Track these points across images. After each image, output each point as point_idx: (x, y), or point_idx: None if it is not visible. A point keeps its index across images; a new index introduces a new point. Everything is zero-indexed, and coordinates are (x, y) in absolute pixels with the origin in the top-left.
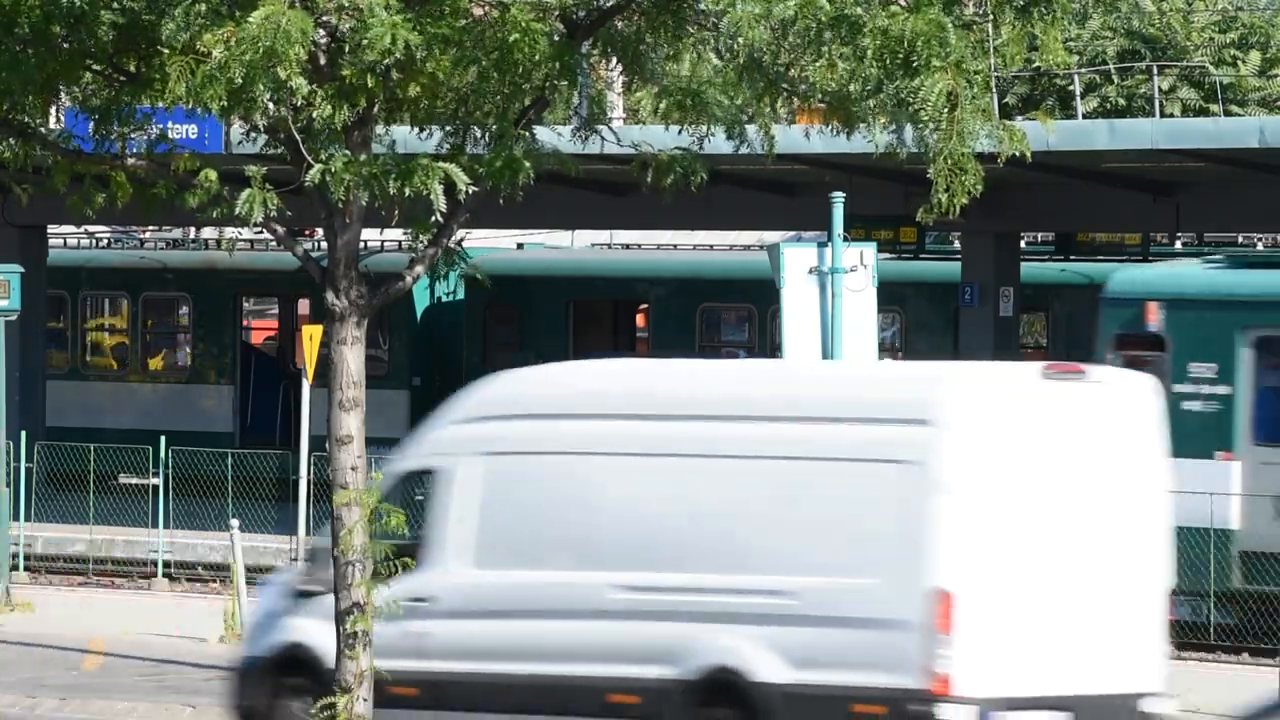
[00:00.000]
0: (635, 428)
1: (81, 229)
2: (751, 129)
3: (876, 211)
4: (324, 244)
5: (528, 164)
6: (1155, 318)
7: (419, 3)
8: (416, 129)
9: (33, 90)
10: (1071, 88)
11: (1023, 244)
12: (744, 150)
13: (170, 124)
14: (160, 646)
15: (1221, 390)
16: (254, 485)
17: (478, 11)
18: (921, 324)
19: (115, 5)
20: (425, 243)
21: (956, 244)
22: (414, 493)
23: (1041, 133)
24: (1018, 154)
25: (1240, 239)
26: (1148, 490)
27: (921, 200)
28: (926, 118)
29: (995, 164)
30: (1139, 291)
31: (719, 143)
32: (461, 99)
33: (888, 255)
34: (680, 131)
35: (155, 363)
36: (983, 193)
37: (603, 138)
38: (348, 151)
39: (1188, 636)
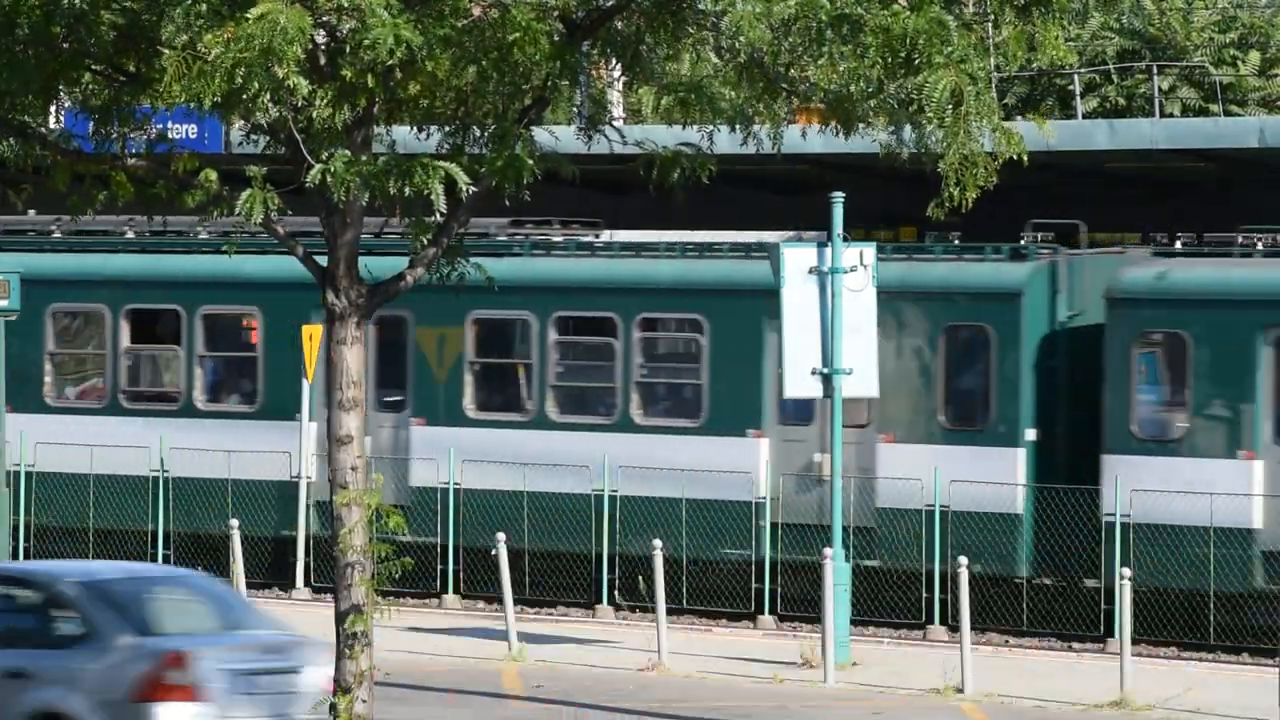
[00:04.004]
0: None
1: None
2: (759, 125)
3: (876, 211)
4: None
5: (530, 163)
6: (1170, 316)
7: (419, 3)
8: (416, 129)
9: (33, 90)
10: (1071, 88)
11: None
12: (751, 147)
13: (170, 124)
14: None
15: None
16: None
17: (477, 11)
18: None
19: (115, 5)
20: (426, 242)
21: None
22: None
23: (1040, 134)
24: (1015, 157)
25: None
26: None
27: (919, 200)
28: (931, 114)
29: (994, 164)
30: (1152, 291)
31: (721, 142)
32: (461, 99)
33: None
34: (684, 128)
35: None
36: (984, 192)
37: (607, 137)
38: (348, 151)
39: (1188, 636)
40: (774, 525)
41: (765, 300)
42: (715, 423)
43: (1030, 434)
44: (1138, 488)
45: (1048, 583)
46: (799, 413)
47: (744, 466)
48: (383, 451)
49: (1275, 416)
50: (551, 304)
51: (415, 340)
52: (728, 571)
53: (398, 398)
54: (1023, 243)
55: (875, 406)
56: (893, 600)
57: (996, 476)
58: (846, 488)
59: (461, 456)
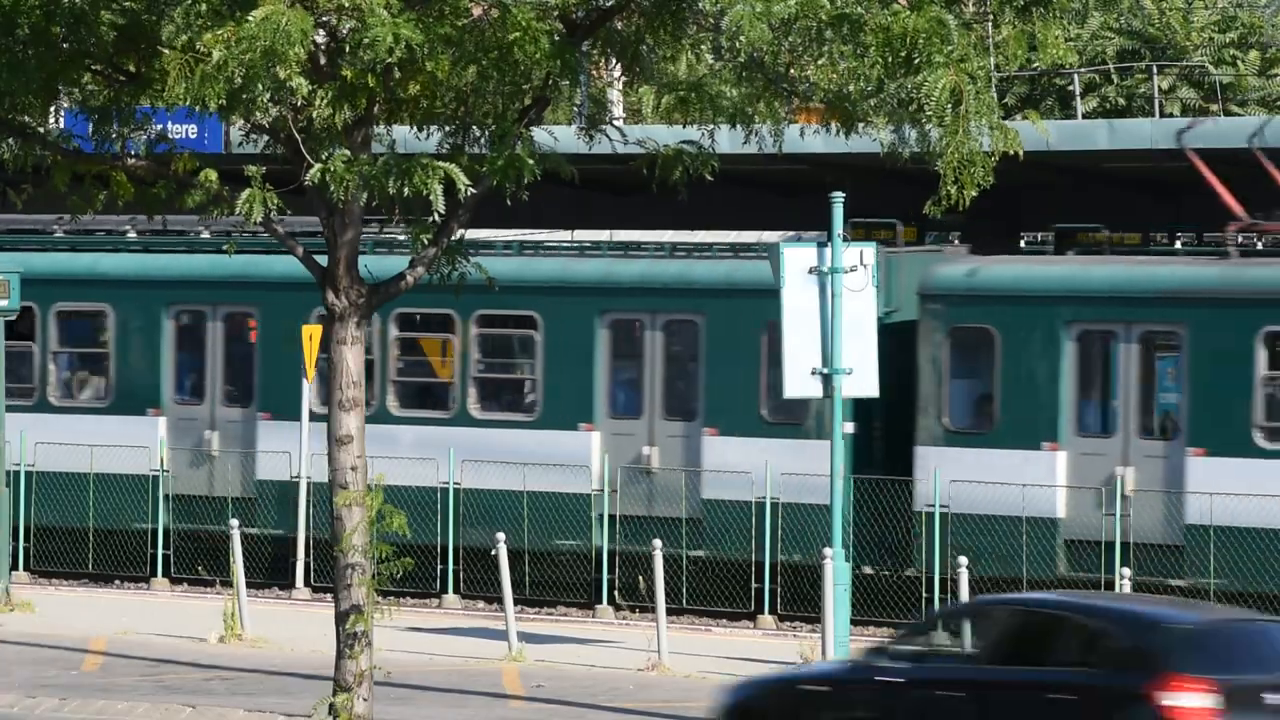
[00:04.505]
0: None
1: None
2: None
3: (876, 211)
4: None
5: (531, 162)
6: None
7: (419, 2)
8: (416, 129)
9: (33, 90)
10: (1071, 88)
11: (1022, 243)
12: (753, 145)
13: (170, 124)
14: (160, 646)
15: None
16: None
17: (477, 11)
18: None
19: (115, 5)
20: (425, 242)
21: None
22: None
23: (1039, 133)
24: (1012, 153)
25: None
26: None
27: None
28: (931, 113)
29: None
30: (962, 287)
31: (721, 142)
32: (461, 99)
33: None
34: (684, 127)
35: None
36: (983, 191)
37: (608, 137)
38: (347, 151)
39: None
40: (611, 517)
41: (596, 299)
42: (550, 417)
43: (848, 427)
44: (949, 478)
45: (869, 571)
46: (629, 407)
47: (578, 459)
48: (232, 445)
49: (1078, 409)
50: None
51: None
52: (565, 563)
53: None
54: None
55: (702, 401)
56: (723, 591)
57: (818, 469)
58: (675, 480)
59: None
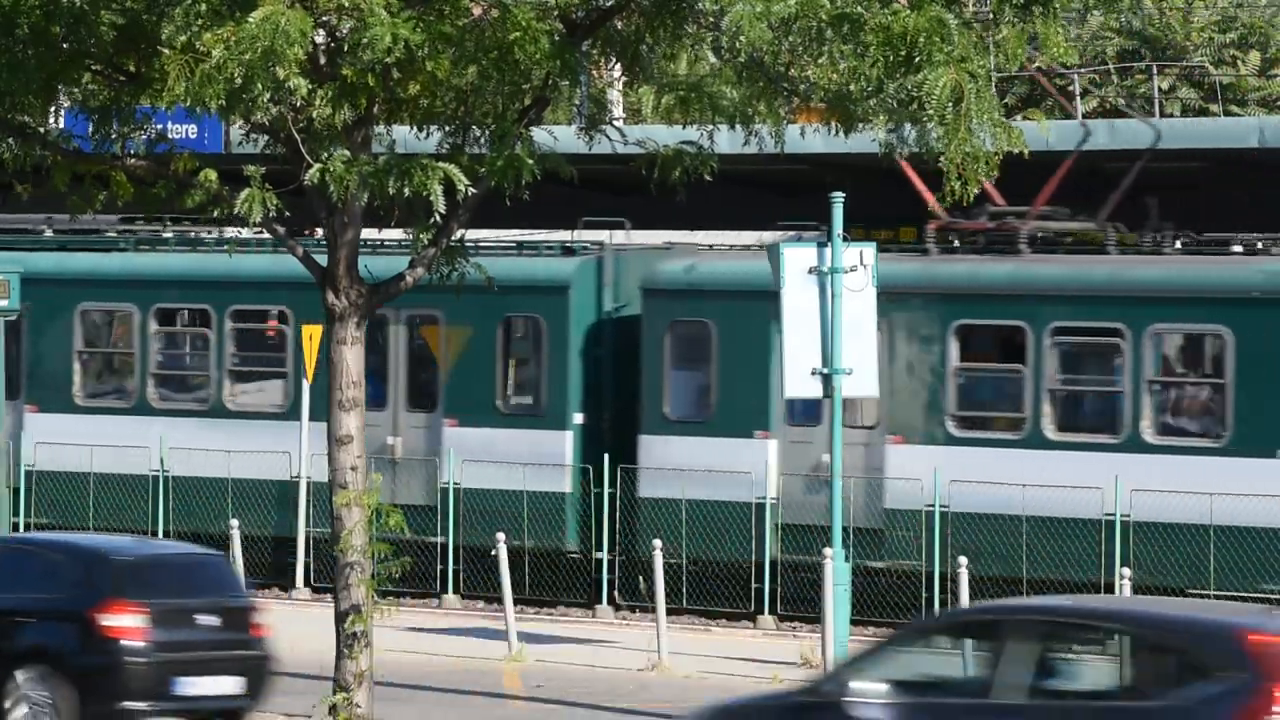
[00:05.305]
0: None
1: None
2: (759, 124)
3: (877, 211)
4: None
5: (530, 162)
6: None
7: (419, 2)
8: (416, 129)
9: (33, 90)
10: (1071, 88)
11: None
12: (753, 145)
13: (170, 124)
14: None
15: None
16: None
17: (477, 11)
18: None
19: (115, 5)
20: (425, 242)
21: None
22: None
23: (1039, 133)
24: (1017, 152)
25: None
26: None
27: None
28: (932, 112)
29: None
30: (681, 283)
31: (721, 142)
32: (461, 99)
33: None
34: (684, 127)
35: None
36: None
37: (608, 137)
38: (347, 152)
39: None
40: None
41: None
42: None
43: (578, 417)
44: (671, 465)
45: (601, 556)
46: (375, 398)
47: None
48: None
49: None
50: (154, 297)
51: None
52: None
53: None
54: (571, 239)
55: (442, 393)
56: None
57: (549, 458)
58: (411, 469)
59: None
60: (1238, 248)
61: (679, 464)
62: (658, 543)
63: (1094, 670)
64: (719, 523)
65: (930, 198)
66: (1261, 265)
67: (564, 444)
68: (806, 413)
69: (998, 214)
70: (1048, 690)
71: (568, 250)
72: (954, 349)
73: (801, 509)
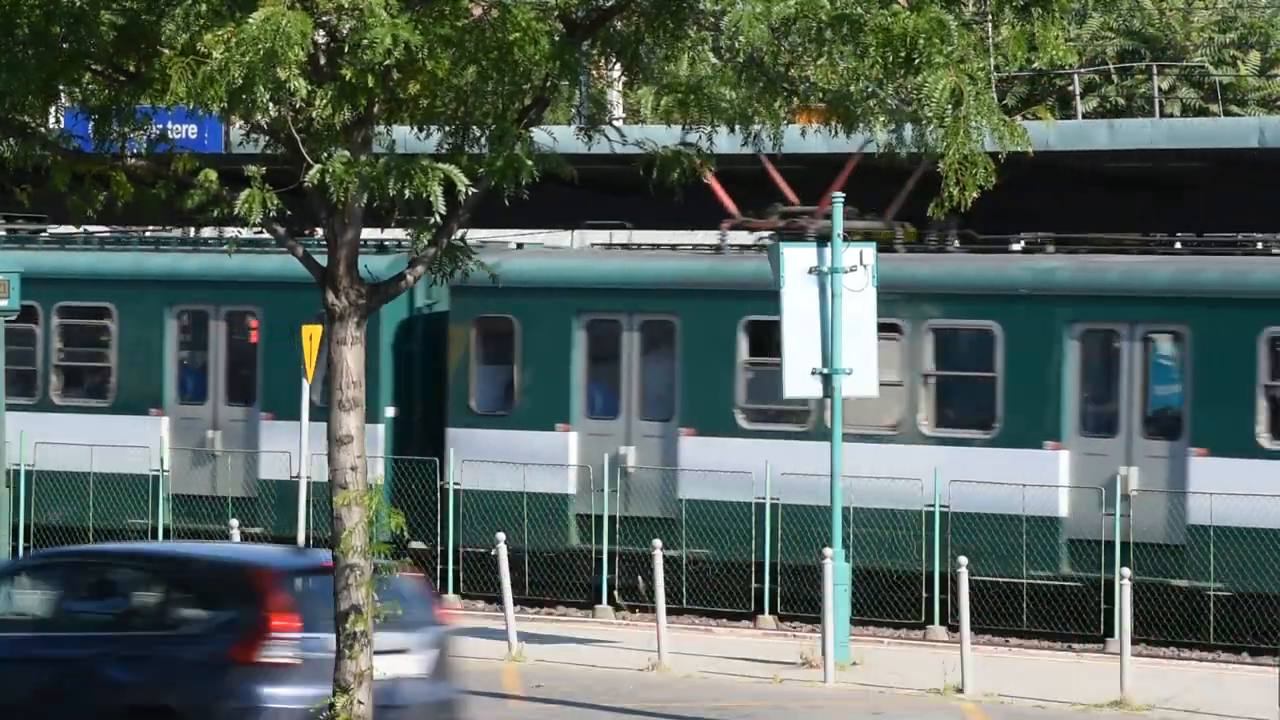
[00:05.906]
0: None
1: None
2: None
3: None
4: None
5: (530, 163)
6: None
7: (419, 2)
8: (416, 129)
9: (33, 90)
10: (1071, 88)
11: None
12: (752, 147)
13: (170, 124)
14: None
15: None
16: None
17: (477, 11)
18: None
19: (115, 5)
20: (425, 242)
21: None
22: None
23: (1042, 131)
24: (1021, 150)
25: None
26: None
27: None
28: (931, 114)
29: (997, 162)
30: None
31: (720, 142)
32: (461, 99)
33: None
34: (684, 128)
35: None
36: (984, 192)
37: (608, 138)
38: (347, 152)
39: (1187, 636)
40: (173, 497)
41: (167, 290)
42: (122, 404)
43: (390, 411)
44: (472, 458)
45: (420, 546)
46: (195, 393)
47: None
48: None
49: (588, 392)
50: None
51: None
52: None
53: None
54: (381, 236)
55: (260, 388)
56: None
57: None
58: (229, 463)
59: None
60: (1016, 246)
61: (482, 456)
62: (658, 543)
63: (141, 603)
64: (514, 514)
65: (727, 199)
66: (1029, 264)
67: (376, 437)
68: (607, 407)
69: (788, 213)
70: (97, 621)
71: (381, 248)
72: (743, 344)
73: (590, 501)
